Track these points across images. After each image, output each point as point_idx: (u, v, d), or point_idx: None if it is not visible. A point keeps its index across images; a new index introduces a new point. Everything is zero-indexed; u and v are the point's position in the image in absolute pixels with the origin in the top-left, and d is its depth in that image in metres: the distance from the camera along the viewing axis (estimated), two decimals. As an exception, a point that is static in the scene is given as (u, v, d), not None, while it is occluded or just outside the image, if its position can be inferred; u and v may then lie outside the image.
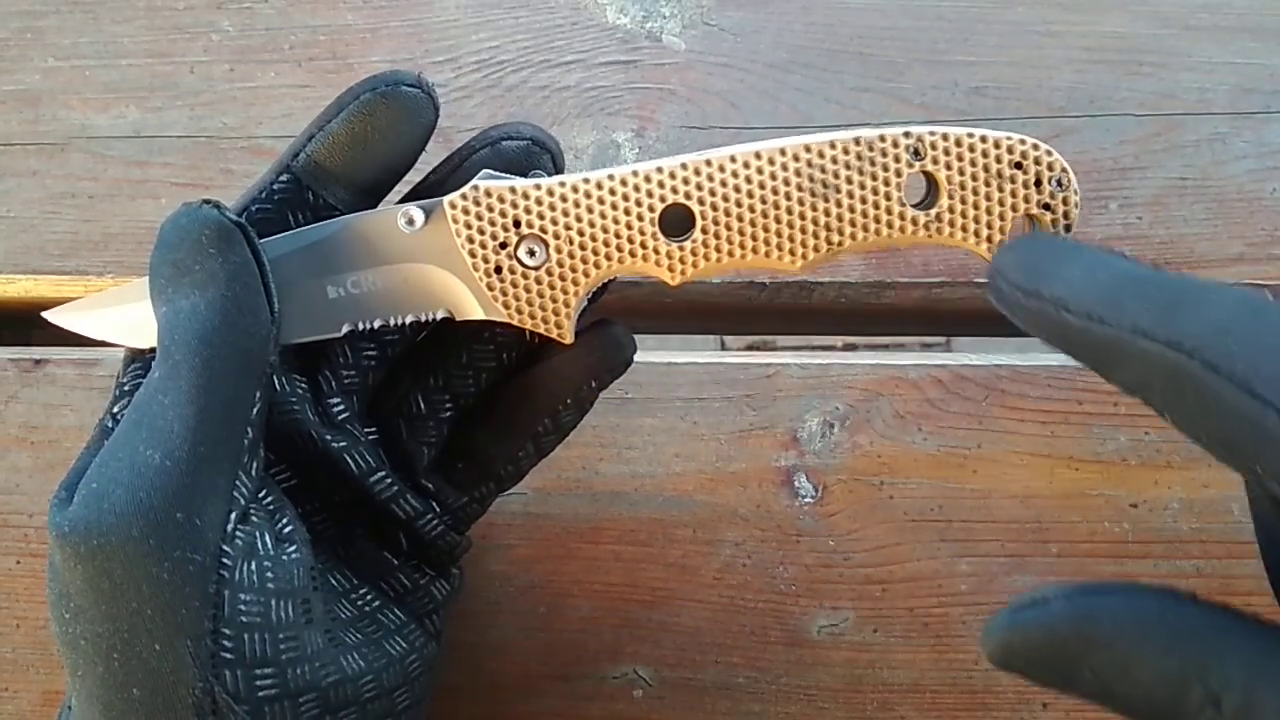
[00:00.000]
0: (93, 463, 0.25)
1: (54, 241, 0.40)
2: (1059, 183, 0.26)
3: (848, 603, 0.36)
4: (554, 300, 0.27)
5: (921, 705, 0.36)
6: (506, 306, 0.27)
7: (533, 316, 0.27)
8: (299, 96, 0.40)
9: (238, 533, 0.25)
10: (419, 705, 0.29)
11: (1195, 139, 0.39)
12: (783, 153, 0.26)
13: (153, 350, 0.27)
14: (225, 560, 0.24)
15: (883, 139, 0.26)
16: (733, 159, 0.26)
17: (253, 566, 0.25)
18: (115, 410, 0.27)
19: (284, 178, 0.28)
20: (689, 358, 0.38)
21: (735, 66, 0.40)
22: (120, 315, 0.28)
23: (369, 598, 0.29)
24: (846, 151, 0.26)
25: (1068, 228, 0.26)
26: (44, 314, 0.30)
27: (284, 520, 0.26)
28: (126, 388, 0.27)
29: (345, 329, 0.28)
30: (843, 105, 0.40)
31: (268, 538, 0.25)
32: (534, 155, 0.29)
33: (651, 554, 0.37)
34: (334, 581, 0.29)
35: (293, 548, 0.26)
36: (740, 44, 0.41)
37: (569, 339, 0.28)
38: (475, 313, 0.28)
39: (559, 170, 0.29)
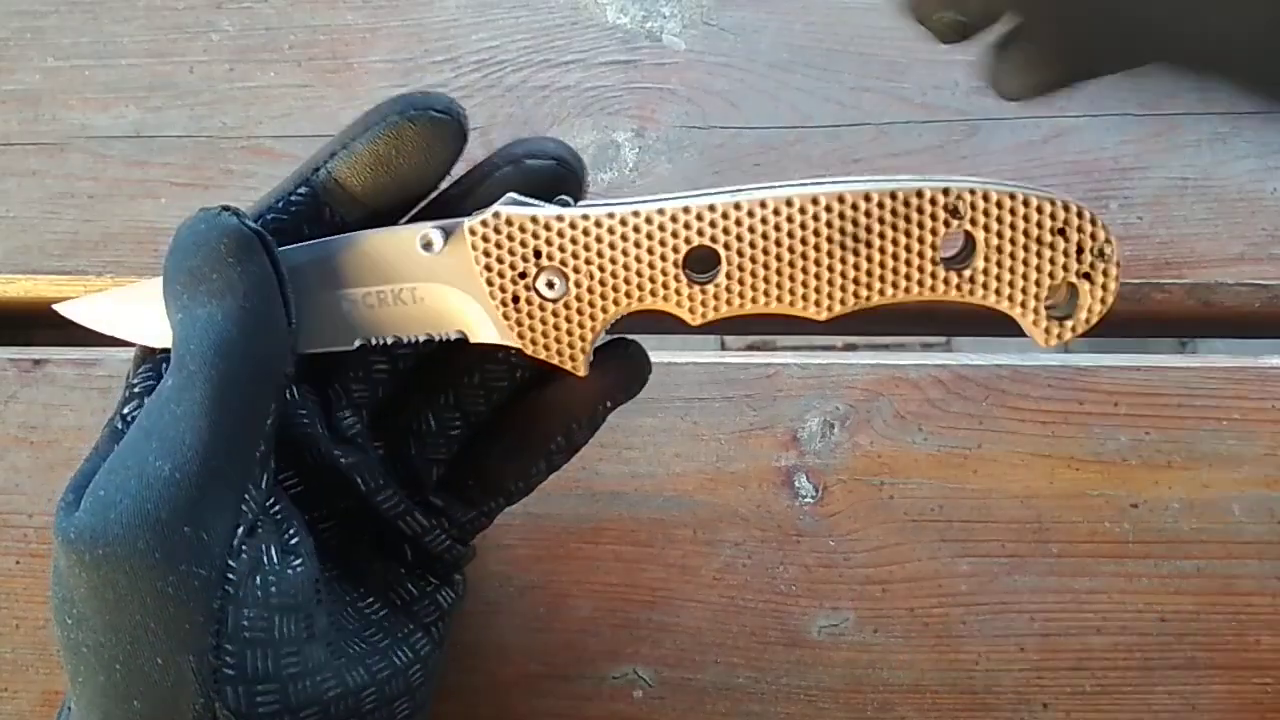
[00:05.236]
0: (102, 468, 0.24)
1: (54, 241, 0.40)
2: (1101, 253, 0.25)
3: (848, 603, 0.36)
4: (570, 334, 0.27)
5: (921, 705, 0.36)
6: (521, 336, 0.27)
7: (548, 348, 0.27)
8: (299, 96, 0.40)
9: (243, 547, 0.24)
10: (420, 712, 0.29)
11: (1195, 139, 0.39)
12: (815, 201, 0.25)
13: (164, 351, 0.27)
14: (230, 575, 0.24)
15: (920, 195, 0.25)
16: (763, 204, 0.25)
17: (257, 581, 0.24)
18: (125, 411, 0.26)
19: (302, 190, 0.27)
20: (689, 358, 0.38)
21: (735, 66, 0.40)
22: (132, 313, 0.28)
23: (374, 606, 0.29)
24: (882, 205, 0.25)
25: (1105, 300, 0.26)
26: (54, 306, 0.29)
27: (291, 530, 0.26)
28: (137, 389, 0.27)
29: (357, 343, 0.28)
30: (843, 105, 0.40)
31: (274, 551, 0.25)
32: (559, 177, 0.28)
33: (651, 554, 0.37)
34: (339, 590, 0.28)
35: (298, 560, 0.26)
36: (740, 44, 0.41)
37: (583, 372, 0.27)
38: (490, 337, 0.27)
39: (583, 191, 0.29)
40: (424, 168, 0.27)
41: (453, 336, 0.27)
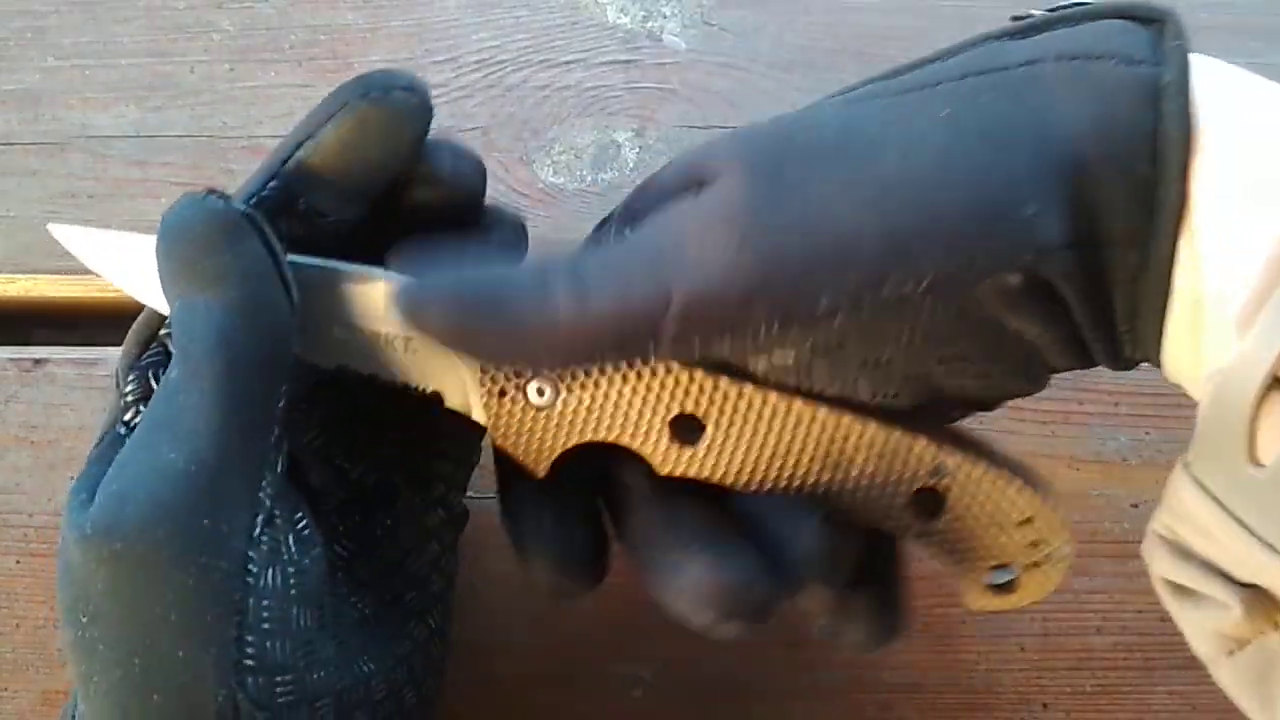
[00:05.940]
0: (114, 461, 0.24)
1: (54, 241, 0.39)
2: (1051, 556, 0.26)
3: (848, 603, 0.36)
4: (542, 443, 0.26)
5: (921, 705, 0.36)
6: (495, 426, 0.26)
7: (515, 446, 0.27)
8: (299, 96, 0.40)
9: (263, 537, 0.24)
10: (427, 704, 0.29)
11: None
12: (813, 418, 0.25)
13: (150, 358, 0.27)
14: (250, 567, 0.24)
15: (910, 448, 0.25)
16: (764, 400, 0.25)
17: (276, 571, 0.24)
18: (127, 418, 0.26)
19: (272, 184, 0.26)
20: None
21: (735, 66, 0.40)
22: (127, 260, 0.28)
23: (370, 598, 0.29)
24: (872, 444, 0.25)
25: (1041, 593, 0.27)
26: (49, 226, 0.29)
27: (304, 520, 0.26)
28: (130, 398, 0.26)
29: (335, 364, 0.27)
30: (843, 105, 0.40)
31: (291, 541, 0.25)
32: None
33: (652, 554, 0.37)
34: (339, 582, 0.28)
35: (315, 550, 0.26)
36: (740, 43, 0.41)
37: (541, 477, 0.27)
38: (463, 408, 0.27)
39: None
40: (392, 147, 0.27)
41: (429, 391, 0.27)
